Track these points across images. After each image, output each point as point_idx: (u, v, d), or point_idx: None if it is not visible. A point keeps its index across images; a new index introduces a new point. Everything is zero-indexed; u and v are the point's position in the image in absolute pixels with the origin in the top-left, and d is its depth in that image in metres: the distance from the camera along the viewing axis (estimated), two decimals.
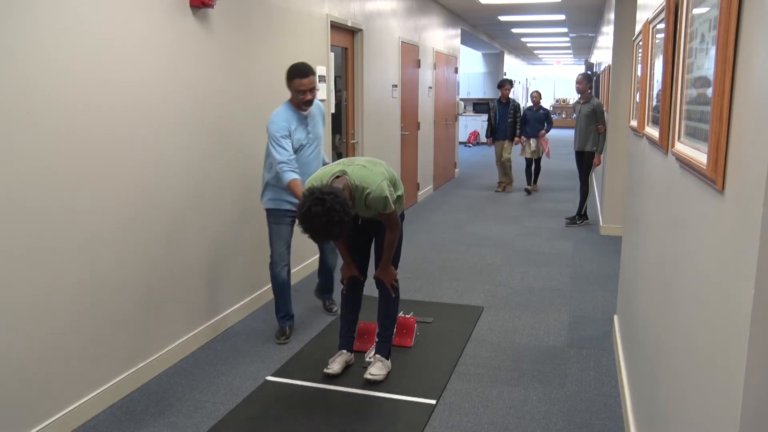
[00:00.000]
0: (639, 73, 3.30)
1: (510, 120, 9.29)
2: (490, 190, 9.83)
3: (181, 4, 3.55)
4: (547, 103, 25.22)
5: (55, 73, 2.72)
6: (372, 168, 3.14)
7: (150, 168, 3.36)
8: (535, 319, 4.35)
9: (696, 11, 1.75)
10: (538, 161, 9.57)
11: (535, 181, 9.72)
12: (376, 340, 3.52)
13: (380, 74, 7.07)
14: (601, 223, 7.13)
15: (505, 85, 9.45)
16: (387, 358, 3.49)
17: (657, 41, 2.63)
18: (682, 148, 1.83)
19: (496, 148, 9.56)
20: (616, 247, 6.28)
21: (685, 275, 1.76)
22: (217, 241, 4.02)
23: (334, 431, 2.93)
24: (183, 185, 3.65)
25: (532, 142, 9.26)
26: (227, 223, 4.13)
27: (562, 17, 11.71)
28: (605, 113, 7.16)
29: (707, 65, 1.54)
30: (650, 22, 2.83)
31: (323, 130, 4.09)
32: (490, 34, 15.16)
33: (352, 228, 3.41)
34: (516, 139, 9.32)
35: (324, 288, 4.43)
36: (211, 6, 3.74)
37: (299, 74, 3.76)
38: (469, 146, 17.95)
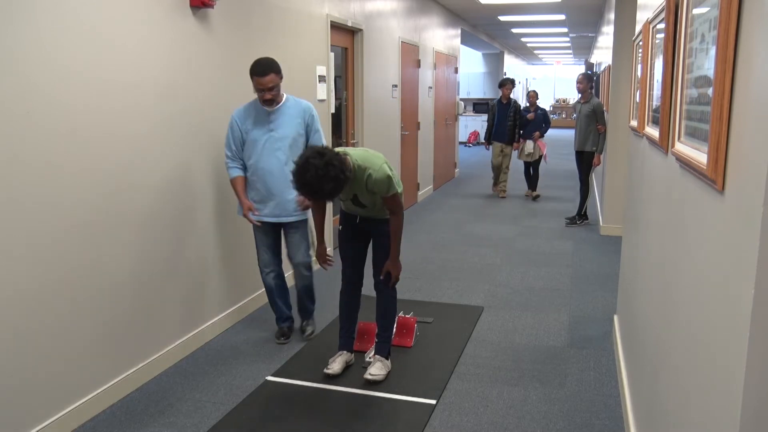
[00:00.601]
0: (639, 73, 3.30)
1: (510, 122, 8.80)
2: (490, 190, 9.81)
3: (181, 4, 3.55)
4: (547, 103, 25.26)
5: (55, 73, 2.72)
6: (373, 152, 3.16)
7: (150, 168, 3.36)
8: (535, 319, 4.35)
9: (696, 11, 1.75)
10: (536, 165, 8.99)
11: (535, 187, 9.15)
12: (376, 340, 3.52)
13: (380, 74, 7.07)
14: (601, 223, 7.13)
15: (506, 84, 8.90)
16: (387, 358, 3.49)
17: (657, 41, 2.63)
18: (682, 148, 1.83)
19: (493, 149, 9.04)
20: (616, 247, 6.28)
21: (685, 275, 1.76)
22: (220, 239, 4.02)
23: (334, 431, 2.93)
24: (183, 185, 3.65)
25: (529, 143, 8.78)
26: (230, 221, 4.13)
27: (562, 17, 11.72)
28: (605, 113, 7.16)
29: (707, 65, 1.54)
30: (650, 22, 2.83)
31: (305, 131, 3.73)
32: (490, 34, 15.16)
33: (350, 228, 3.41)
34: (515, 144, 8.86)
35: (300, 306, 4.04)
36: (211, 6, 3.74)
37: (257, 72, 3.53)
38: (469, 146, 17.95)
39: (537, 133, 8.73)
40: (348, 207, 3.36)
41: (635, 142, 3.48)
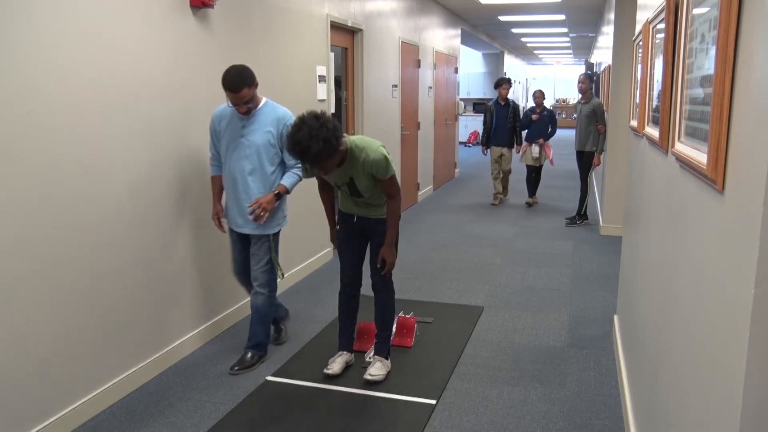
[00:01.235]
0: (639, 73, 3.30)
1: (510, 125, 8.29)
2: (490, 190, 9.75)
3: (181, 4, 3.55)
4: (547, 103, 25.23)
5: (55, 73, 2.72)
6: (371, 138, 3.21)
7: (150, 168, 3.36)
8: (535, 319, 4.35)
9: (696, 11, 1.75)
10: (539, 170, 8.46)
11: (535, 191, 8.63)
12: (375, 340, 3.52)
13: (380, 74, 7.07)
14: (601, 223, 7.13)
15: (503, 84, 8.34)
16: (386, 358, 3.49)
17: (657, 41, 2.63)
18: (682, 148, 1.83)
19: (492, 154, 8.44)
20: (616, 247, 6.28)
21: (685, 275, 1.76)
22: (222, 242, 4.01)
23: (334, 431, 2.93)
24: (183, 184, 3.65)
25: (534, 148, 8.19)
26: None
27: (562, 17, 11.72)
28: (605, 113, 7.16)
29: (707, 65, 1.54)
30: (650, 22, 2.83)
31: (278, 142, 3.42)
32: (490, 34, 15.16)
33: (348, 228, 3.41)
34: (516, 147, 8.37)
35: (250, 329, 3.66)
36: (211, 6, 3.74)
37: (229, 87, 3.23)
38: (469, 146, 17.96)
39: (541, 140, 8.18)
40: (345, 204, 3.36)
41: (635, 142, 3.48)
